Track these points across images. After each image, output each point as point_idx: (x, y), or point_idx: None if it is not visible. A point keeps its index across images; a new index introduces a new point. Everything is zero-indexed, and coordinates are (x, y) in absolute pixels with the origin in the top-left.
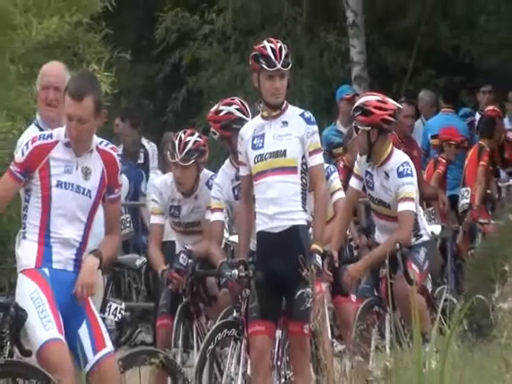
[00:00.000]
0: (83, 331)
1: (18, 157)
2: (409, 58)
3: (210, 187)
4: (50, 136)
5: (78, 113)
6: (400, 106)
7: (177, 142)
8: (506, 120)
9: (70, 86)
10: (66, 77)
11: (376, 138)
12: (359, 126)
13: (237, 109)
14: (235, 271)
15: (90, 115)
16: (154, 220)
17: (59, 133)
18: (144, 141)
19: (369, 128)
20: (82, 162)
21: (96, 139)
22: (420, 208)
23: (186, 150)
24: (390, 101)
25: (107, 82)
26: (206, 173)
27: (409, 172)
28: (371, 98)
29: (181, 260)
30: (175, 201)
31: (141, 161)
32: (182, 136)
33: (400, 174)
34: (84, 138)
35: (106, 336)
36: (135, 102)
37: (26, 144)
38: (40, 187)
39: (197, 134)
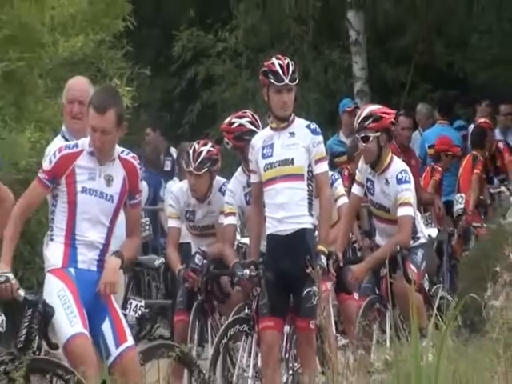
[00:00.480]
0: (106, 326)
1: (46, 165)
2: (407, 73)
3: (222, 193)
4: (76, 146)
5: (102, 125)
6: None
7: (191, 152)
8: (497, 131)
9: (94, 100)
10: (90, 91)
11: (385, 143)
12: (370, 134)
13: (248, 121)
14: (247, 271)
15: (112, 127)
16: (171, 223)
17: (84, 143)
18: (172, 150)
19: (379, 134)
20: (105, 169)
21: (118, 149)
22: (417, 212)
23: (199, 160)
24: (388, 110)
25: (128, 96)
26: (218, 180)
27: (407, 179)
28: (374, 107)
29: (196, 260)
30: (190, 206)
31: (167, 168)
32: (196, 146)
33: (399, 181)
34: (107, 147)
35: (128, 331)
36: (154, 115)
37: (54, 153)
38: (66, 193)
39: (210, 144)
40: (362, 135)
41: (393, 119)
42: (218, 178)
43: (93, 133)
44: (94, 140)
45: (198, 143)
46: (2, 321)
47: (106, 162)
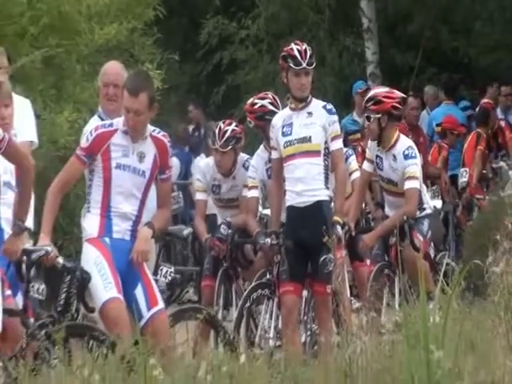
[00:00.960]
0: (139, 291)
1: (83, 142)
2: (415, 57)
3: (246, 168)
4: (111, 125)
5: (135, 106)
6: (405, 96)
7: (217, 131)
8: (498, 110)
9: (128, 83)
10: (124, 75)
11: (386, 124)
12: (371, 115)
13: (269, 102)
14: (268, 239)
15: (144, 108)
16: (199, 196)
17: (118, 122)
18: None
19: (379, 115)
20: (138, 147)
21: (150, 128)
22: (423, 185)
23: (224, 138)
24: (396, 92)
25: (158, 79)
26: (242, 156)
27: (413, 155)
28: (380, 90)
29: (222, 230)
30: (216, 180)
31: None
32: (222, 125)
33: (406, 157)
34: (139, 127)
35: (158, 295)
36: (183, 96)
37: (90, 132)
38: (102, 169)
39: (234, 124)
40: (366, 115)
41: (395, 103)
42: (241, 154)
43: (126, 113)
44: (128, 120)
45: (224, 123)
46: (43, 289)
47: (138, 140)
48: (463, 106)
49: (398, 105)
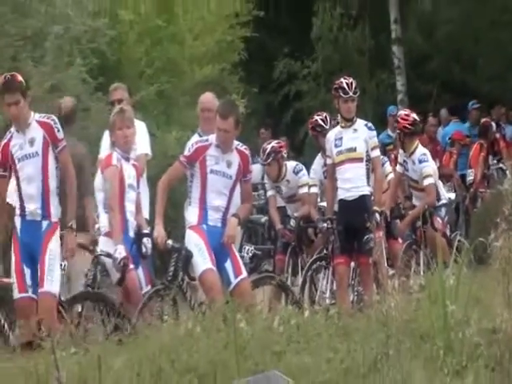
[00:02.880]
0: (228, 264)
1: (186, 153)
2: (433, 88)
3: (295, 173)
4: (207, 140)
5: (224, 127)
6: (418, 119)
7: (261, 150)
8: (493, 124)
9: (219, 109)
10: (216, 103)
11: (403, 137)
12: (397, 131)
13: (321, 119)
14: (325, 224)
15: (232, 128)
16: (269, 193)
17: (212, 138)
18: None
19: (398, 131)
20: (227, 157)
21: (235, 142)
22: (440, 182)
23: (266, 154)
24: (412, 115)
25: (242, 106)
26: (291, 164)
27: (425, 159)
28: (401, 113)
29: (291, 223)
30: (277, 183)
31: None
32: (264, 145)
33: (420, 161)
34: (228, 142)
35: (243, 267)
36: (261, 119)
37: (192, 145)
38: (199, 173)
39: (274, 142)
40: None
41: (407, 124)
42: (290, 162)
43: (218, 132)
44: (219, 137)
45: (267, 143)
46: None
47: (227, 152)
48: (469, 124)
49: (408, 125)
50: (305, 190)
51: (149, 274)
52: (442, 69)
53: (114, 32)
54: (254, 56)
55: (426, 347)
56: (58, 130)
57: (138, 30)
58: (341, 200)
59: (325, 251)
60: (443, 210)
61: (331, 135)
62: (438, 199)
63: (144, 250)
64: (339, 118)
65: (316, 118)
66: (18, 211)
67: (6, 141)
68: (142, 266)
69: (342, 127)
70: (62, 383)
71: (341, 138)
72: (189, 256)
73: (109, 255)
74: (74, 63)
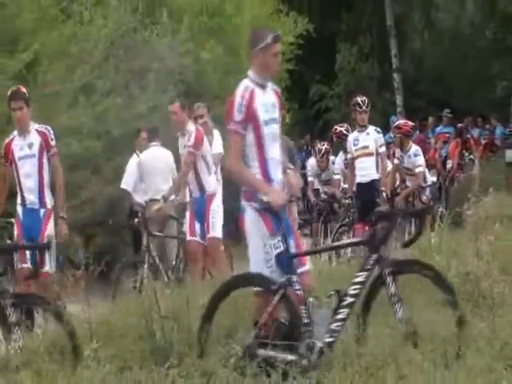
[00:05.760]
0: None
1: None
2: (423, 103)
3: (333, 164)
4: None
5: None
6: (415, 125)
7: (317, 149)
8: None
9: None
10: None
11: (404, 139)
12: (396, 135)
13: (344, 129)
14: (347, 200)
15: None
16: (309, 179)
17: None
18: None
19: (400, 135)
20: None
21: None
22: (426, 169)
23: (321, 153)
24: (409, 123)
25: (287, 118)
26: (331, 159)
27: (418, 154)
28: (399, 122)
29: (321, 197)
30: (318, 171)
31: None
32: (319, 145)
33: (415, 155)
34: None
35: None
36: (302, 127)
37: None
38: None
39: (323, 143)
40: (394, 135)
41: (408, 129)
42: (330, 157)
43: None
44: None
45: (320, 143)
46: None
47: None
48: (442, 126)
49: (409, 130)
50: (335, 175)
51: None
52: (428, 90)
53: (197, 66)
54: (295, 82)
55: (418, 285)
56: (52, 139)
57: (212, 65)
58: (358, 183)
59: (347, 219)
60: (428, 190)
61: (351, 137)
62: (425, 181)
63: None
64: (356, 125)
65: (340, 128)
66: (19, 201)
67: (9, 140)
68: None
69: (358, 131)
70: (160, 314)
71: (358, 139)
72: None
73: None
74: (167, 90)
